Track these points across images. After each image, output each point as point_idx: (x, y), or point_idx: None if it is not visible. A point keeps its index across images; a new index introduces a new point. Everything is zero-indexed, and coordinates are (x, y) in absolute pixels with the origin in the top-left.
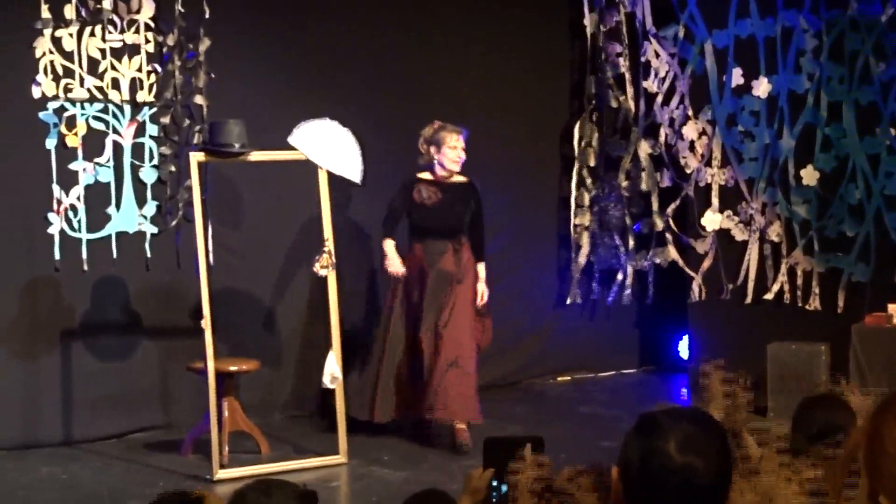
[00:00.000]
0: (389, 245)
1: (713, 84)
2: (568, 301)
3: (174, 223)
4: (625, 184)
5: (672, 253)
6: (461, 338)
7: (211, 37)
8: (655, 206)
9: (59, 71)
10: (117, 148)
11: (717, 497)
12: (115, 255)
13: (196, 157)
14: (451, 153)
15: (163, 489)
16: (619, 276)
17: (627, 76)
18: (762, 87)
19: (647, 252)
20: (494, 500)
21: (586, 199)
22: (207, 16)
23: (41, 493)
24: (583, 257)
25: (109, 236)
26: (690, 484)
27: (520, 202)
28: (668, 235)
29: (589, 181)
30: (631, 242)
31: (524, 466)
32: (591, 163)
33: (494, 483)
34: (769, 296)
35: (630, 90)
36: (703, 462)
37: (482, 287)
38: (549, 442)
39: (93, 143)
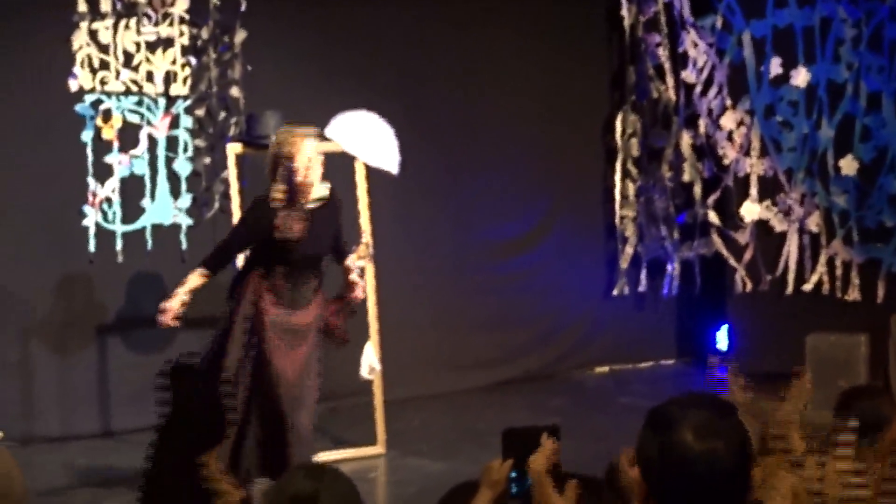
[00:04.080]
0: (194, 279)
1: (751, 74)
2: (615, 292)
3: (210, 215)
4: (668, 174)
5: (717, 244)
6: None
7: (247, 28)
8: (698, 196)
9: (96, 64)
10: (152, 140)
11: (743, 475)
12: (150, 247)
13: (234, 149)
14: (301, 161)
15: None
16: (669, 268)
17: (667, 66)
18: (801, 77)
19: (692, 243)
20: (514, 491)
21: (631, 190)
22: (244, 8)
23: (80, 485)
24: (630, 248)
25: (144, 228)
26: (714, 469)
27: (563, 194)
28: (710, 226)
29: (633, 172)
30: (675, 234)
31: (538, 453)
32: (635, 153)
33: (514, 474)
34: (808, 286)
35: (670, 80)
36: (723, 444)
37: (357, 278)
38: (587, 433)
39: (128, 136)
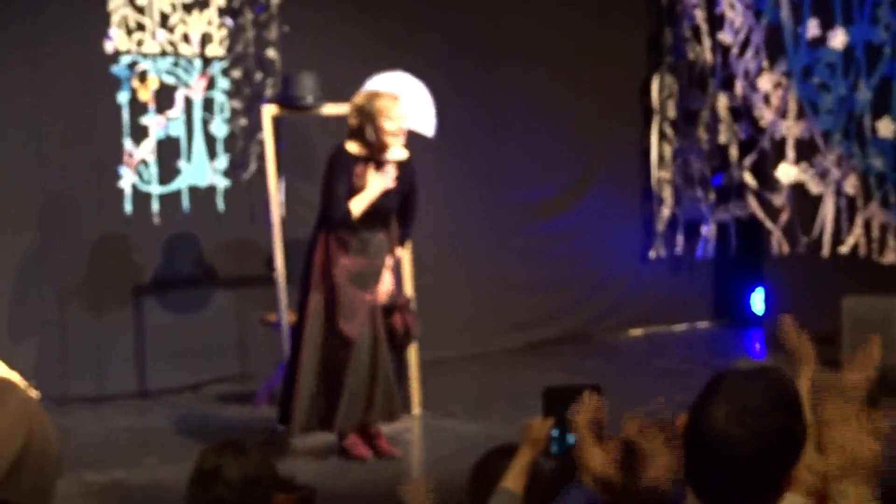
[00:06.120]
0: (365, 196)
1: (788, 35)
2: (651, 255)
3: (247, 176)
4: (704, 136)
5: (753, 206)
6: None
7: None
8: (735, 158)
9: (132, 25)
10: (188, 102)
11: (767, 472)
12: (186, 209)
13: (270, 111)
14: (390, 125)
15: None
16: (704, 230)
17: (704, 28)
18: (838, 39)
19: (728, 205)
20: (555, 449)
21: (668, 151)
22: None
23: (116, 444)
24: (666, 210)
25: (180, 190)
26: (731, 454)
27: (599, 156)
28: (747, 188)
29: (670, 133)
30: (711, 196)
31: (581, 408)
32: (672, 115)
33: (555, 433)
34: (844, 249)
35: (707, 42)
36: (746, 434)
37: (387, 276)
38: (621, 395)
39: (164, 97)
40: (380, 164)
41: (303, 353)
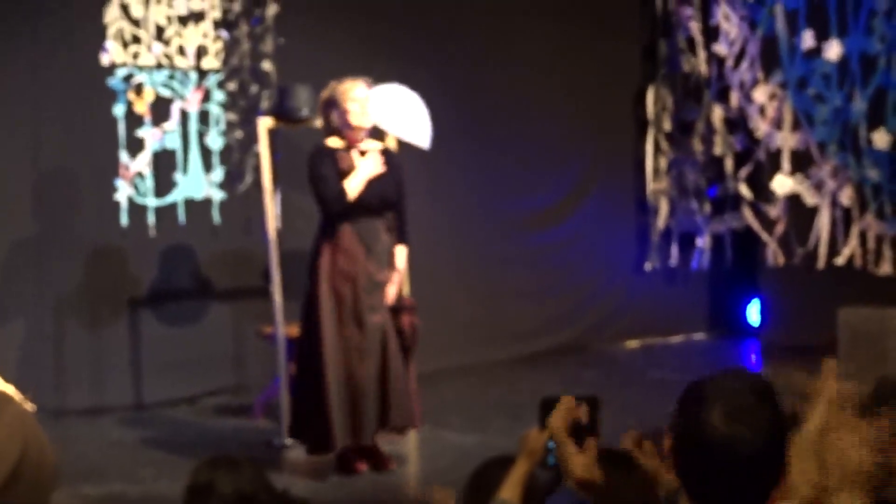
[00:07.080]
0: (358, 176)
1: (784, 46)
2: (647, 266)
3: (243, 189)
4: (699, 148)
5: (748, 217)
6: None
7: (279, 1)
8: (730, 169)
9: (128, 38)
10: (183, 114)
11: (771, 464)
12: (182, 222)
13: (265, 123)
14: (353, 106)
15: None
16: (699, 241)
17: (699, 39)
18: (833, 50)
19: (724, 217)
20: (551, 460)
21: (663, 163)
22: None
23: (112, 456)
24: (661, 222)
25: (176, 202)
26: (738, 454)
27: (594, 167)
28: (742, 200)
29: (665, 145)
30: (707, 207)
31: (555, 413)
32: (667, 127)
33: (551, 444)
34: (840, 260)
35: (702, 53)
36: (749, 431)
37: (395, 277)
38: (617, 407)
39: (160, 110)
40: (362, 154)
41: (326, 370)
